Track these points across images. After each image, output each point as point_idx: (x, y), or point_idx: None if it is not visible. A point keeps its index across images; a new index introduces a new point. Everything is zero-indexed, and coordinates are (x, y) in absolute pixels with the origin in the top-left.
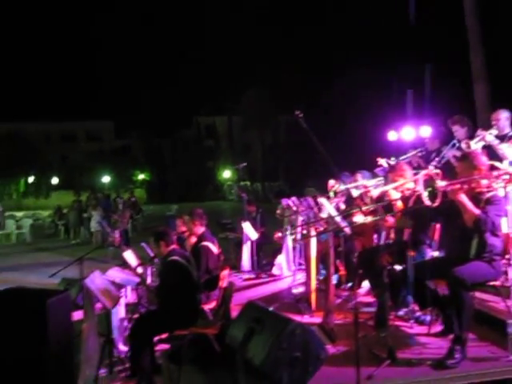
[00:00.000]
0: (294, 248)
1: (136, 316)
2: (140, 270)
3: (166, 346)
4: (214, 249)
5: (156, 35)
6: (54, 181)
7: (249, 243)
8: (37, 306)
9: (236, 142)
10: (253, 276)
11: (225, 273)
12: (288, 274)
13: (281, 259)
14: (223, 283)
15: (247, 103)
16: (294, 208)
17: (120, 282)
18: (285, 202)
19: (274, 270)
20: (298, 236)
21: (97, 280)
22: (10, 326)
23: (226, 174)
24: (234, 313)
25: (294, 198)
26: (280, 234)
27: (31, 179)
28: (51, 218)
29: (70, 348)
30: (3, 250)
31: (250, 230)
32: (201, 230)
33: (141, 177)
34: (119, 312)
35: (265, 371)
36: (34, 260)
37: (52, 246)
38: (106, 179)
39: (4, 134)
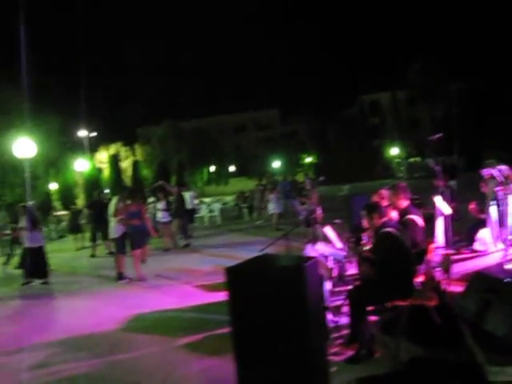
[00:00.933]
0: (498, 221)
1: (344, 288)
2: (340, 244)
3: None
4: (420, 222)
5: (308, 20)
6: (231, 169)
7: (442, 218)
8: (297, 267)
9: (402, 118)
10: (453, 251)
11: (432, 246)
12: (494, 248)
13: (484, 233)
14: (431, 256)
15: (413, 76)
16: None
17: (329, 255)
18: (486, 172)
19: (477, 246)
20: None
21: (311, 253)
22: (274, 284)
23: (394, 151)
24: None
25: (502, 167)
26: (475, 206)
27: (212, 168)
28: (234, 201)
29: (323, 309)
30: (200, 232)
31: (442, 205)
32: (405, 203)
33: (308, 160)
34: (327, 283)
35: (510, 343)
36: (229, 240)
37: (240, 227)
38: (276, 164)
39: (189, 130)
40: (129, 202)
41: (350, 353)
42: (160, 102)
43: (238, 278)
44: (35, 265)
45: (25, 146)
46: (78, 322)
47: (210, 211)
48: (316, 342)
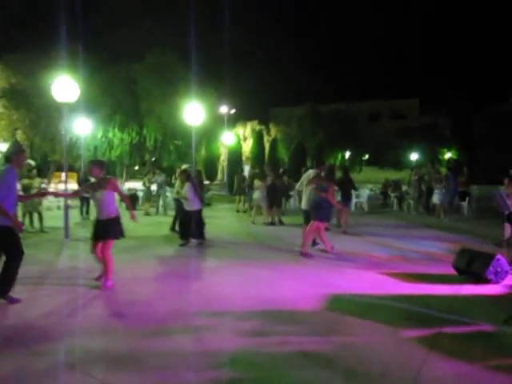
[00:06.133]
0: None
1: None
2: None
3: None
4: None
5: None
6: (365, 157)
7: None
8: None
9: None
10: None
11: None
12: None
13: None
14: None
15: None
16: None
17: None
18: None
19: None
20: None
21: None
22: None
23: None
24: None
25: None
26: None
27: (347, 155)
28: (380, 189)
29: None
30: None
31: None
32: None
33: (448, 155)
34: None
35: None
36: (388, 228)
37: (391, 216)
38: (413, 156)
39: (327, 114)
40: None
41: None
42: (295, 84)
43: None
44: (194, 226)
45: (194, 113)
46: (273, 295)
47: (357, 197)
48: None
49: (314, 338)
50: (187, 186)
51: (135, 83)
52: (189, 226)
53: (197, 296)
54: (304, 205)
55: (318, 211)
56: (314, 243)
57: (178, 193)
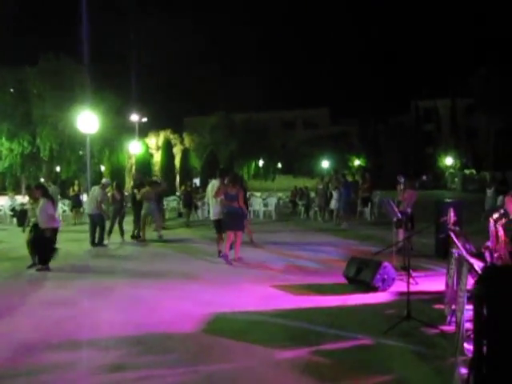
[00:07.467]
0: None
1: None
2: None
3: None
4: None
5: (375, 17)
6: (279, 165)
7: None
8: None
9: (460, 127)
10: None
11: None
12: None
13: None
14: None
15: (476, 84)
16: None
17: None
18: None
19: None
20: None
21: None
22: None
23: (448, 161)
24: None
25: None
26: None
27: (261, 163)
28: (289, 197)
29: None
30: (257, 226)
31: None
32: None
33: (357, 162)
34: None
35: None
36: (293, 237)
37: (298, 224)
38: (325, 164)
39: (240, 122)
40: (229, 184)
41: None
42: (210, 94)
43: None
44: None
45: (88, 121)
46: (149, 317)
47: (265, 205)
48: None
49: (180, 369)
50: (43, 202)
51: (26, 88)
52: (51, 247)
53: (58, 326)
54: (213, 215)
55: (239, 222)
56: (220, 254)
57: (33, 210)
